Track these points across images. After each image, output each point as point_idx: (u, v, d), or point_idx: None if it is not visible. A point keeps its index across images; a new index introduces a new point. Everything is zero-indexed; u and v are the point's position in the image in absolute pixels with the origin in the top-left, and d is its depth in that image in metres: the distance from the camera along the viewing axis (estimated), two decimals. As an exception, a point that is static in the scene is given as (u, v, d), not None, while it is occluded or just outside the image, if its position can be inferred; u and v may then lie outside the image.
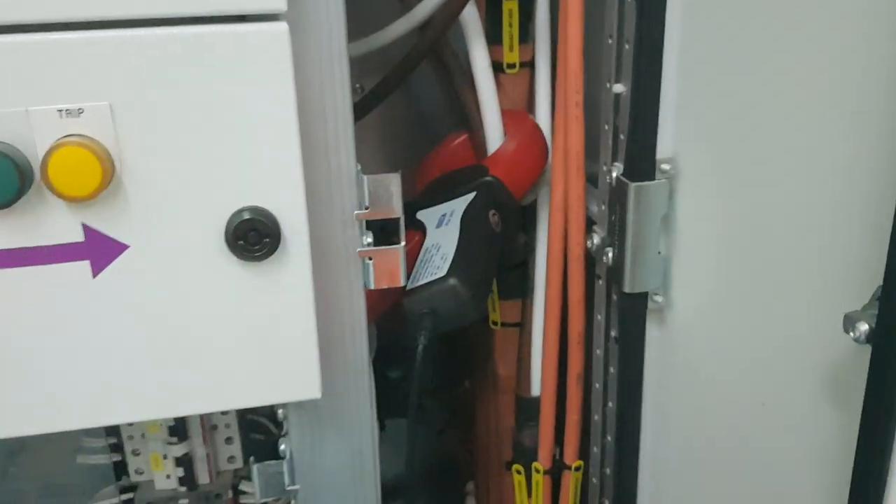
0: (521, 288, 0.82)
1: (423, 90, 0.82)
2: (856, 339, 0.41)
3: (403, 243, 0.53)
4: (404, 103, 0.84)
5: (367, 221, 0.52)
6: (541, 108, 0.74)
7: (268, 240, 0.46)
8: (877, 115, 0.42)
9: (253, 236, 0.46)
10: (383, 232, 0.54)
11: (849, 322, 0.42)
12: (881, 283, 0.40)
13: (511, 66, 0.74)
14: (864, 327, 0.41)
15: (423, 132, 0.84)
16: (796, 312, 0.51)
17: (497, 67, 0.73)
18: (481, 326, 0.85)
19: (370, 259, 0.52)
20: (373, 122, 0.76)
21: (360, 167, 0.51)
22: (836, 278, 0.46)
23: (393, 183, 0.52)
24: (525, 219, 0.79)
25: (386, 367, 0.70)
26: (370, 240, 0.52)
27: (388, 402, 0.64)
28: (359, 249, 0.52)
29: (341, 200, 0.51)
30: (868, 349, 0.41)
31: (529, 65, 0.74)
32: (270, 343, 0.49)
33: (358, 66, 0.65)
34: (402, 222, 0.52)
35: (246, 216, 0.45)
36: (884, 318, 0.40)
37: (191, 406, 0.51)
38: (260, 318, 0.48)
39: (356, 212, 0.51)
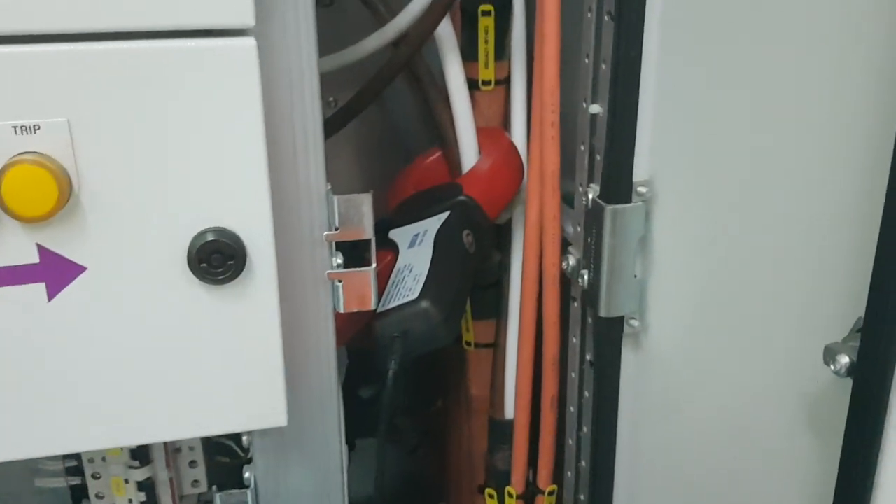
0: (494, 308, 0.80)
1: (398, 106, 0.81)
2: (836, 372, 0.41)
3: (374, 265, 0.51)
4: (378, 118, 0.83)
5: (337, 242, 0.51)
6: (516, 126, 0.73)
7: (232, 262, 0.44)
8: (859, 139, 0.42)
9: (217, 258, 0.44)
10: (354, 252, 0.52)
11: (829, 354, 0.41)
12: (862, 314, 0.39)
13: (486, 83, 0.73)
14: (844, 360, 0.40)
15: (397, 148, 0.83)
16: (775, 341, 0.50)
17: (472, 84, 0.72)
18: (454, 347, 0.83)
19: (340, 281, 0.51)
20: (346, 136, 0.74)
21: (330, 187, 0.50)
22: (816, 308, 0.46)
23: (364, 203, 0.50)
24: (500, 238, 0.78)
25: (357, 385, 0.69)
26: (340, 261, 0.51)
27: (359, 422, 0.62)
28: (328, 272, 0.51)
29: (310, 221, 0.50)
30: (848, 382, 0.40)
31: (505, 82, 0.73)
32: (235, 369, 0.47)
33: (332, 80, 0.64)
34: (373, 244, 0.51)
35: (210, 237, 0.44)
36: (865, 351, 0.39)
37: (150, 434, 0.49)
38: (224, 343, 0.46)
39: (325, 233, 0.50)
